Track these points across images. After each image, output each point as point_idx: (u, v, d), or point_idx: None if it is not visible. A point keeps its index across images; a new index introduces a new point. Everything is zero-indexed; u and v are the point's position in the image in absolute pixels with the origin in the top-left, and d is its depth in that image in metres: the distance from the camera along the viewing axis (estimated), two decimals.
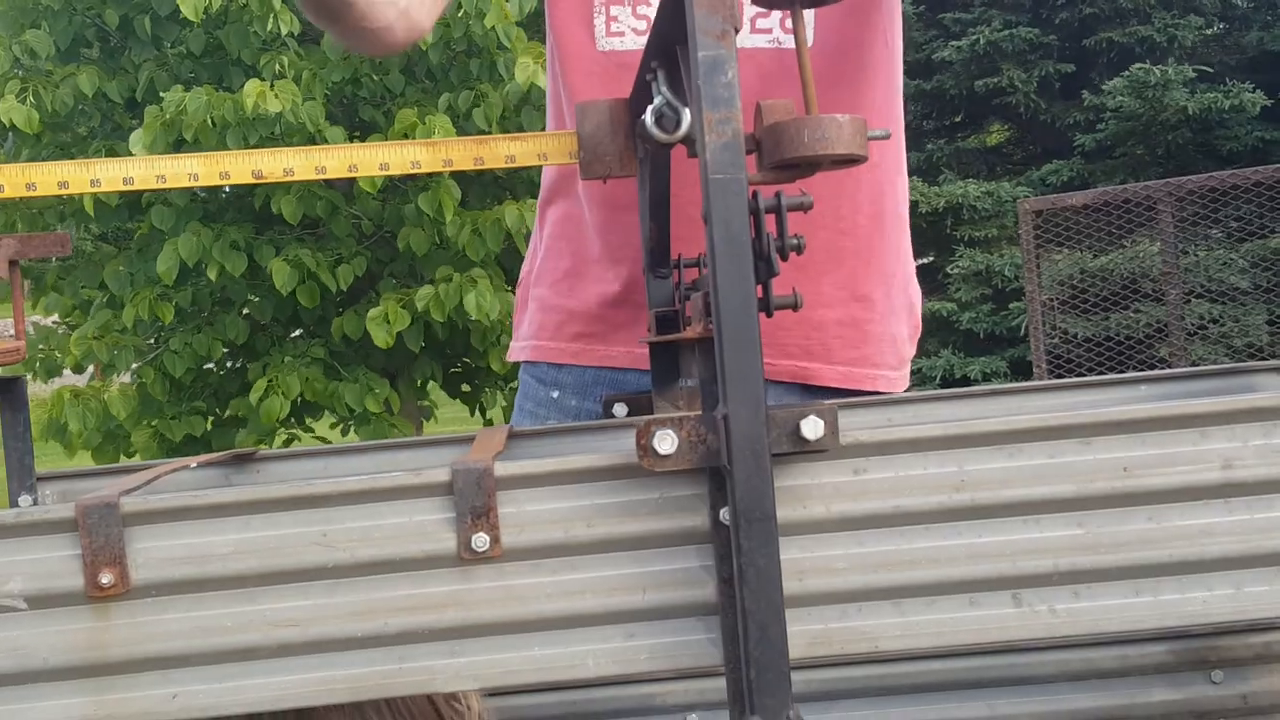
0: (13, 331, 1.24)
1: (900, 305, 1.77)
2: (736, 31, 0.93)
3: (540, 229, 1.76)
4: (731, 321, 0.89)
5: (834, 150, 0.96)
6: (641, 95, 1.21)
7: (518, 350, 1.75)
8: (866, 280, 1.68)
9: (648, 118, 1.14)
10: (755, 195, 0.95)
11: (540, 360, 1.70)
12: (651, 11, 1.56)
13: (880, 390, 1.68)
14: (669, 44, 1.09)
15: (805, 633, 0.94)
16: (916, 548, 0.94)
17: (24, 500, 1.32)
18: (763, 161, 1.01)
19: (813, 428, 0.90)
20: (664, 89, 1.13)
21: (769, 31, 1.57)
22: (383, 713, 1.14)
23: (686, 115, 1.11)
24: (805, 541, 0.94)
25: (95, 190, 1.14)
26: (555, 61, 1.66)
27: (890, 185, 1.72)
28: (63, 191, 1.13)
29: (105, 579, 0.92)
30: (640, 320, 1.61)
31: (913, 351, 1.80)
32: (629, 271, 1.63)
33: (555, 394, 1.68)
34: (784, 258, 0.97)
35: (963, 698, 1.37)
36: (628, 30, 1.56)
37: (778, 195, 1.00)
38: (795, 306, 1.03)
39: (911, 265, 1.84)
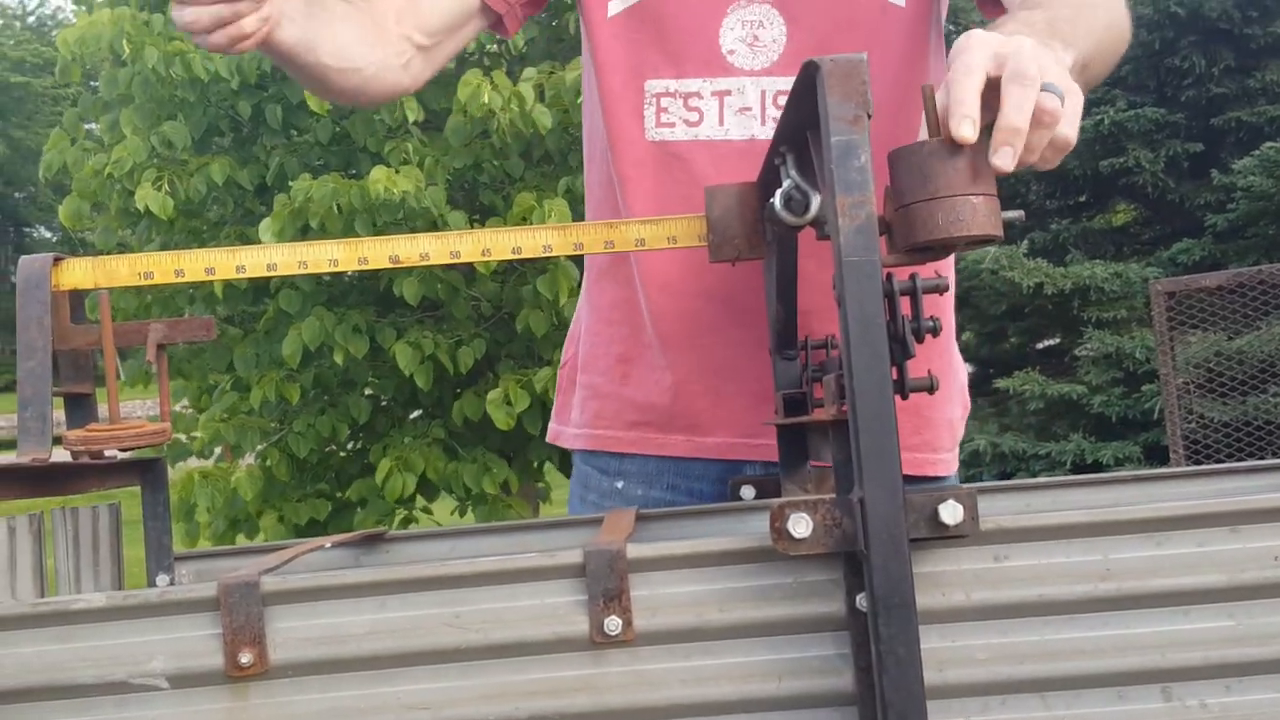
0: (144, 414, 1.27)
1: (955, 388, 1.74)
2: (869, 117, 0.93)
3: (587, 312, 1.73)
4: (867, 404, 0.88)
5: (969, 232, 0.95)
6: (770, 179, 1.21)
7: (571, 437, 1.71)
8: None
9: (777, 201, 1.15)
10: (889, 277, 0.94)
11: (600, 449, 1.67)
12: (704, 105, 1.57)
13: (940, 475, 1.65)
14: (798, 129, 1.09)
15: None
16: (1062, 638, 0.92)
17: (161, 579, 1.34)
18: (895, 244, 1.00)
19: (952, 513, 0.88)
20: (793, 172, 1.13)
21: None
22: None
23: (816, 198, 1.11)
24: (945, 630, 0.92)
25: (240, 276, 1.17)
26: (595, 145, 1.67)
27: (947, 264, 1.70)
28: (210, 278, 1.17)
29: (245, 658, 0.93)
30: (698, 408, 1.59)
31: (962, 431, 1.77)
32: (686, 359, 1.60)
33: (619, 484, 1.64)
34: (919, 339, 0.96)
35: None
36: (678, 121, 1.57)
37: (912, 277, 0.99)
38: (931, 389, 1.02)
39: (956, 344, 1.81)
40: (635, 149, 1.58)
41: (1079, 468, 6.89)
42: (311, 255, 1.16)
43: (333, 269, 1.16)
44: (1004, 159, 0.95)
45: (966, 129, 0.94)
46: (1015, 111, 0.96)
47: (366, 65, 1.51)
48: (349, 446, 5.79)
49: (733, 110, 1.55)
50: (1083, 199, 8.77)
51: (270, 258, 1.16)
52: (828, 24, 1.55)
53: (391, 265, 1.17)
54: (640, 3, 1.56)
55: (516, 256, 1.21)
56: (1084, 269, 7.34)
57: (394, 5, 1.56)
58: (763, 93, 1.55)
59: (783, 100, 1.55)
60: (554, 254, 1.22)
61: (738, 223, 1.26)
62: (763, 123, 1.55)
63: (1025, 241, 7.84)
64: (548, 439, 1.78)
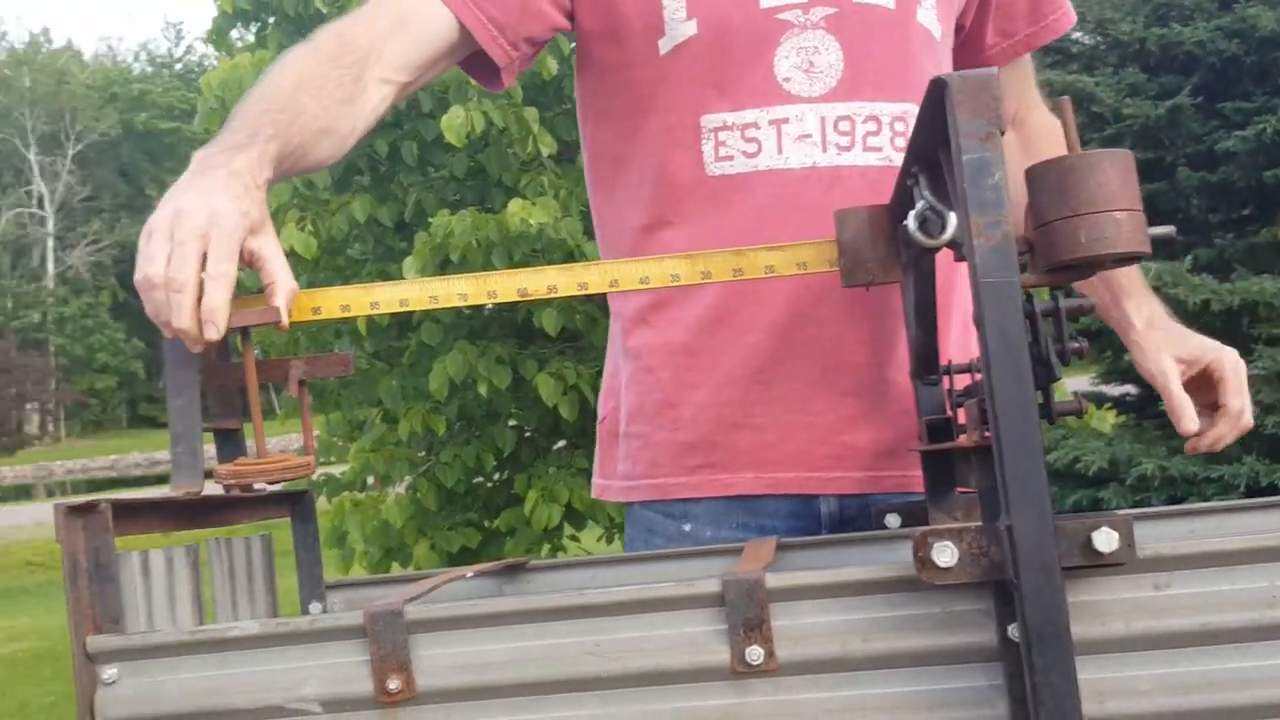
0: (295, 447, 1.29)
1: None
2: (1001, 134, 0.91)
3: (625, 362, 1.66)
4: (1011, 429, 0.86)
5: (1114, 249, 0.92)
6: (902, 200, 1.20)
7: (623, 490, 1.65)
8: None
9: (910, 222, 1.12)
10: (1030, 298, 0.92)
11: (662, 498, 1.61)
12: (762, 135, 1.53)
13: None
14: (930, 148, 1.07)
15: None
16: (1228, 668, 0.88)
17: (314, 608, 1.37)
18: (1036, 264, 0.97)
19: (1106, 540, 0.85)
20: (926, 193, 1.11)
21: (880, 150, 1.54)
22: None
23: (951, 219, 1.09)
24: (1103, 661, 0.89)
25: (374, 312, 1.19)
26: (624, 185, 1.62)
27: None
28: (344, 315, 1.19)
29: (393, 684, 0.94)
30: (765, 443, 1.55)
31: None
32: (742, 393, 1.55)
33: (687, 527, 1.58)
34: (1065, 362, 0.93)
35: None
36: (736, 154, 1.54)
37: (1054, 297, 0.96)
38: (1079, 413, 0.99)
39: None
40: (696, 187, 1.55)
41: (1253, 490, 6.63)
42: (442, 290, 1.17)
43: (462, 303, 1.17)
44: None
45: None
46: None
47: (346, 137, 1.43)
48: (495, 477, 5.86)
49: (791, 138, 1.52)
50: (1246, 212, 8.47)
51: (402, 294, 1.18)
52: (884, 49, 1.54)
53: (520, 298, 1.18)
54: (693, 37, 1.53)
55: (644, 287, 1.21)
56: (1251, 284, 7.06)
57: (370, 47, 1.46)
58: (822, 119, 1.52)
59: (844, 126, 1.53)
60: (681, 283, 1.21)
61: (869, 246, 1.24)
62: (824, 149, 1.52)
63: (1189, 258, 7.57)
64: (594, 495, 1.73)
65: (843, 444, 1.54)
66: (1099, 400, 7.50)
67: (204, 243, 1.14)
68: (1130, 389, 8.49)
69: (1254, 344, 7.13)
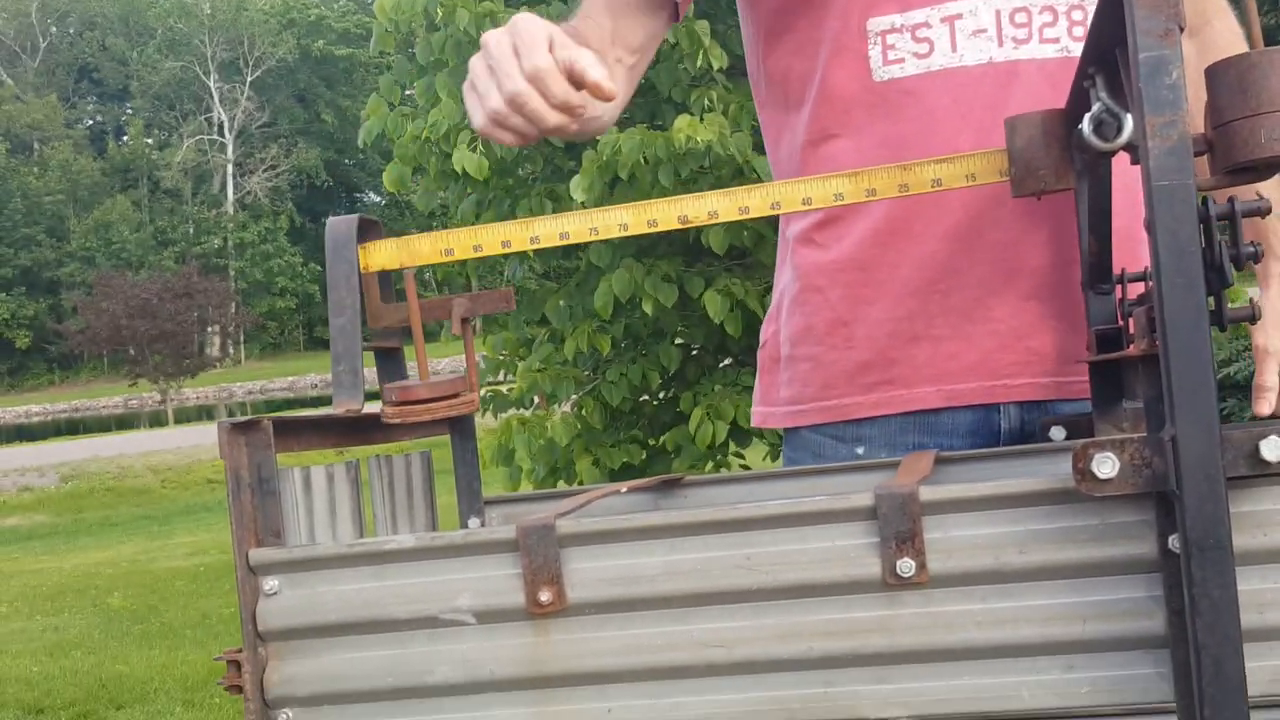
0: (457, 369, 1.31)
1: None
2: (1181, 31, 0.87)
3: (791, 282, 1.63)
4: (1179, 336, 0.83)
5: None
6: (1077, 103, 1.15)
7: (791, 415, 1.61)
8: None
9: (1086, 125, 1.08)
10: (1205, 201, 0.88)
11: (836, 420, 1.57)
12: (934, 34, 1.46)
13: None
14: (1107, 48, 1.03)
15: (1268, 668, 0.86)
16: None
17: (473, 522, 1.40)
18: (1215, 164, 0.93)
19: (1274, 449, 0.82)
20: (1103, 94, 1.07)
21: (1057, 41, 1.46)
22: None
23: (1128, 121, 1.05)
24: (1267, 571, 0.86)
25: (535, 246, 1.19)
26: (785, 95, 1.60)
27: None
28: (504, 250, 1.20)
29: (544, 597, 0.96)
30: (947, 354, 1.50)
31: None
32: (921, 305, 1.50)
33: (860, 450, 1.55)
34: (1239, 267, 0.89)
35: None
36: (907, 56, 1.47)
37: (1231, 201, 0.92)
38: (1253, 318, 0.95)
39: None
40: (863, 94, 1.50)
41: None
42: (602, 222, 1.17)
43: (622, 233, 1.17)
44: None
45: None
46: None
47: (605, 111, 1.48)
48: (661, 395, 5.89)
49: (965, 34, 1.46)
50: None
51: (563, 227, 1.18)
52: None
53: (681, 225, 1.17)
54: None
55: (807, 208, 1.19)
56: None
57: (602, 34, 1.53)
58: (997, 12, 1.46)
59: (1020, 18, 1.46)
60: (845, 202, 1.19)
61: (1043, 153, 1.19)
62: (999, 44, 1.46)
63: None
64: (754, 424, 1.70)
65: (1027, 349, 1.50)
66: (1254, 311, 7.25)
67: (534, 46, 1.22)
68: None
69: None
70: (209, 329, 44.42)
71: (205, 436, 19.32)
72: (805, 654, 0.92)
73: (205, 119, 59.42)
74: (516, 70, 1.22)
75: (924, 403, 1.51)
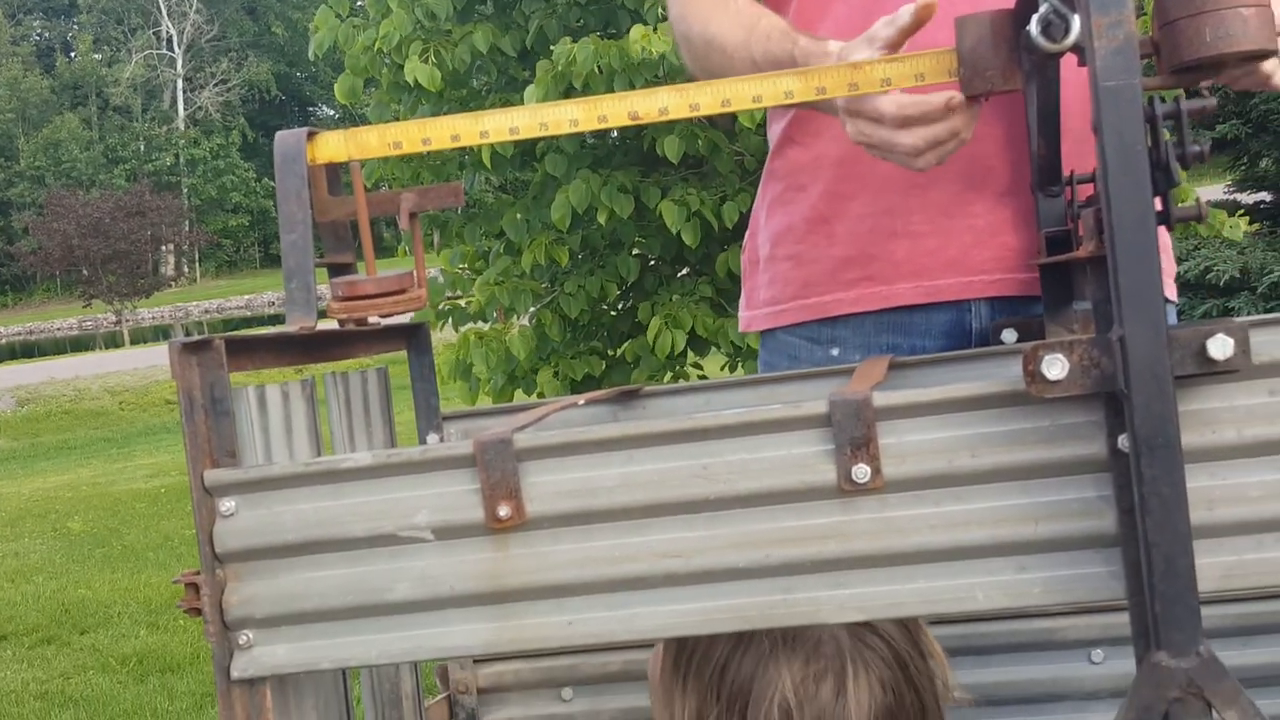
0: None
1: None
2: None
3: (772, 183, 1.64)
4: (1127, 237, 0.83)
5: (1239, 47, 0.88)
6: (1026, 4, 1.14)
7: (773, 315, 1.63)
8: None
9: (1034, 27, 1.08)
10: (1151, 101, 0.88)
11: (811, 319, 1.59)
12: None
13: (1170, 299, 1.54)
14: None
15: (1216, 565, 0.88)
16: None
17: (431, 438, 1.40)
18: (1162, 65, 0.93)
19: (1221, 347, 0.83)
20: None
21: None
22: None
23: (1076, 22, 1.04)
24: (1215, 468, 0.87)
25: (485, 141, 1.18)
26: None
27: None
28: (455, 144, 1.18)
29: (503, 511, 0.96)
30: (922, 249, 1.51)
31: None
32: (900, 200, 1.51)
33: (835, 351, 1.56)
34: (1186, 166, 0.90)
35: None
36: None
37: (1176, 99, 0.92)
38: (1200, 218, 0.95)
39: None
40: None
41: None
42: (552, 117, 1.16)
43: (573, 129, 1.16)
44: None
45: None
46: None
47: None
48: (619, 306, 5.89)
49: None
50: None
51: (512, 121, 1.16)
52: None
53: (631, 121, 1.16)
54: None
55: (757, 105, 1.18)
56: None
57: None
58: None
59: None
60: (795, 100, 1.18)
61: (991, 53, 1.19)
62: None
63: None
64: (740, 329, 1.71)
65: (1002, 245, 1.51)
66: (1232, 208, 7.27)
67: None
68: (1265, 196, 8.22)
69: None
70: (163, 248, 43.94)
71: (162, 357, 19.15)
72: (762, 561, 0.93)
73: (154, 33, 58.28)
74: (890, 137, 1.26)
75: (902, 299, 1.53)
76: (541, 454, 0.96)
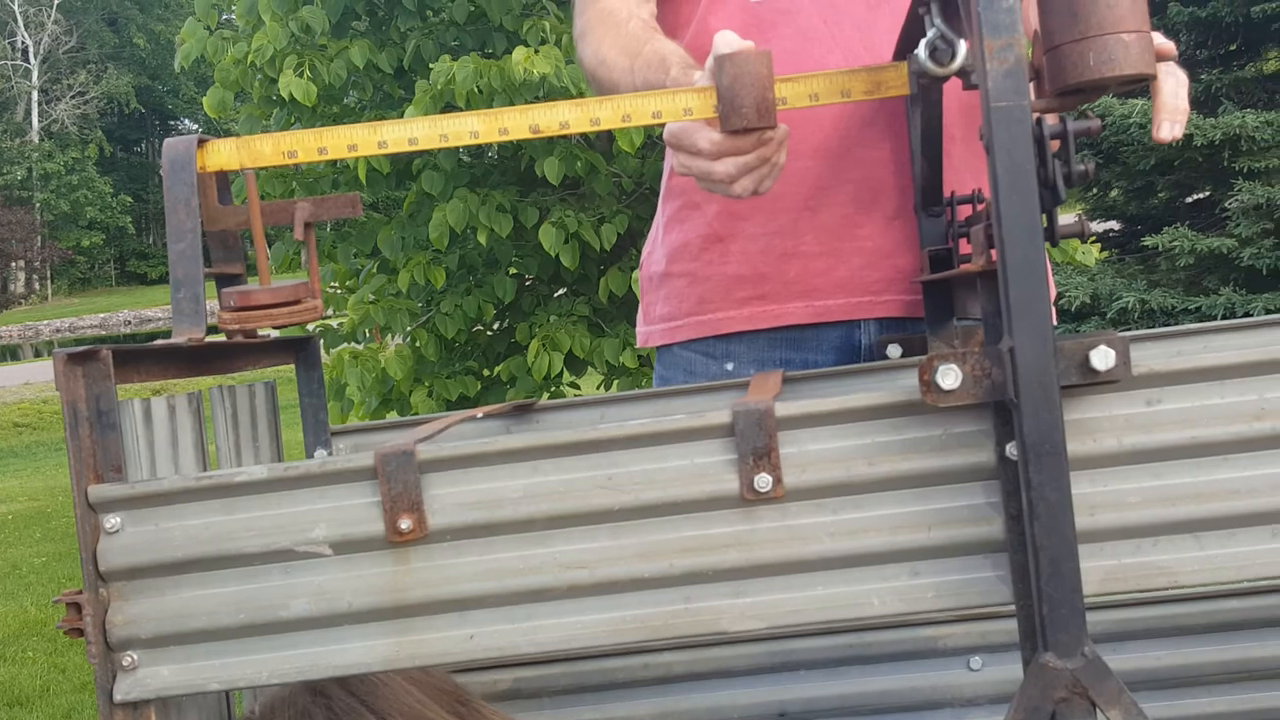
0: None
1: None
2: None
3: (668, 201, 1.67)
4: (1016, 252, 0.87)
5: (1121, 71, 0.92)
6: (912, 30, 1.18)
7: (668, 331, 1.65)
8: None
9: (921, 51, 1.11)
10: (1039, 122, 0.92)
11: (708, 335, 1.61)
12: None
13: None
14: None
15: (1099, 568, 0.91)
16: (1215, 479, 0.90)
17: (320, 454, 1.38)
18: (1046, 88, 0.97)
19: (1103, 358, 0.87)
20: (938, 20, 1.10)
21: None
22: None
23: (962, 47, 1.08)
24: (1096, 475, 0.91)
25: (382, 152, 1.17)
26: (678, 20, 1.61)
27: None
28: (351, 154, 1.17)
29: (404, 524, 0.95)
30: (815, 270, 1.55)
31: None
32: (791, 221, 1.54)
33: (730, 366, 1.59)
34: (1070, 184, 0.93)
35: (1262, 636, 1.31)
36: None
37: (1063, 119, 0.96)
38: (1083, 236, 0.99)
39: None
40: (737, 14, 1.53)
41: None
42: (452, 128, 1.16)
43: (473, 141, 1.16)
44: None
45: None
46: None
47: None
48: (495, 326, 5.87)
49: None
50: (1234, 47, 8.38)
51: (411, 132, 1.16)
52: None
53: (532, 135, 1.16)
54: None
55: (657, 121, 1.19)
56: (1234, 119, 7.04)
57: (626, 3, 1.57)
58: None
59: None
60: (694, 117, 1.19)
61: (746, 92, 1.16)
62: None
63: None
64: (638, 344, 1.73)
65: (892, 267, 1.54)
66: (1084, 235, 7.53)
67: None
68: (1114, 225, 8.52)
69: (1234, 178, 7.11)
70: (12, 264, 42.59)
71: (9, 378, 18.51)
72: (666, 571, 0.94)
73: (9, 43, 56.56)
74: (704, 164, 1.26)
75: (793, 318, 1.56)
76: (445, 466, 0.96)
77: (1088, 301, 7.09)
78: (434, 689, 1.17)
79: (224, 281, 1.27)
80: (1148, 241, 7.30)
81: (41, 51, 55.87)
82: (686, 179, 1.60)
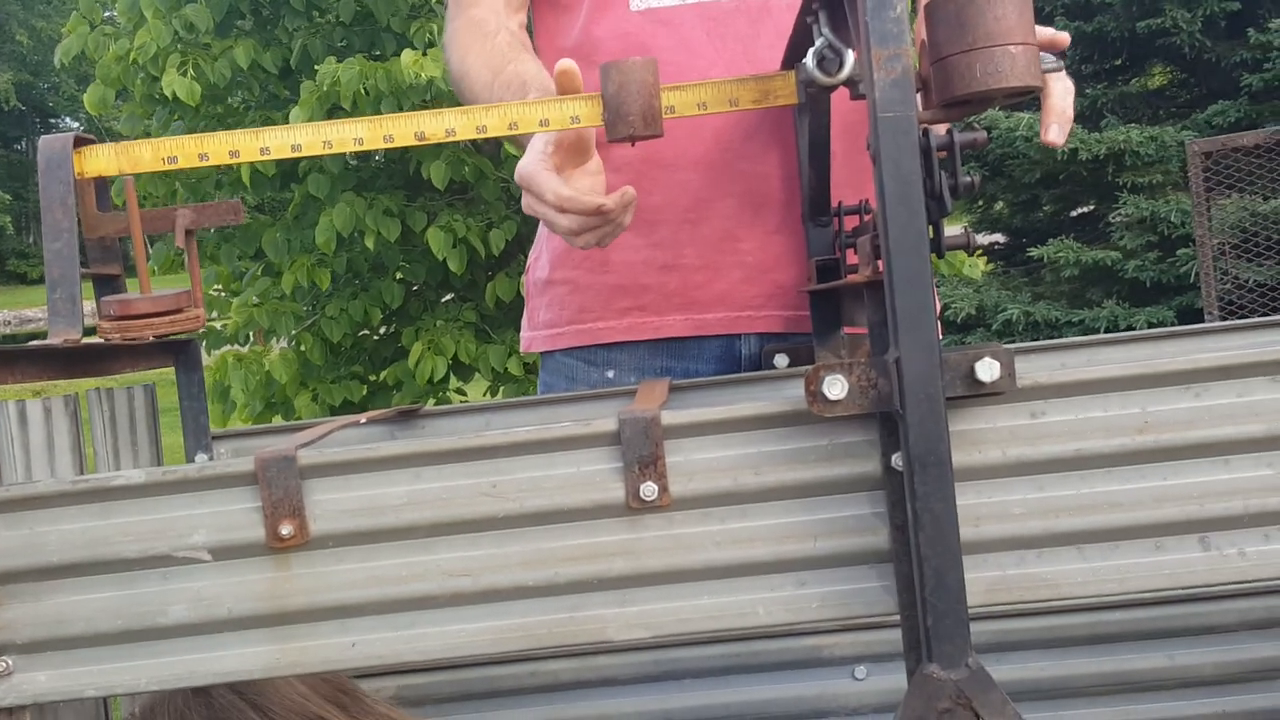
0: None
1: None
2: None
3: None
4: (903, 262, 0.87)
5: (1007, 83, 0.93)
6: (799, 39, 1.18)
7: (550, 338, 1.65)
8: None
9: (809, 60, 1.12)
10: (926, 133, 0.92)
11: (589, 344, 1.61)
12: None
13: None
14: None
15: (983, 579, 0.92)
16: (1099, 491, 0.91)
17: (200, 458, 1.35)
18: (932, 99, 0.98)
19: (988, 370, 0.87)
20: (826, 30, 1.10)
21: None
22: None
23: (850, 57, 1.08)
24: (981, 487, 0.92)
25: (265, 158, 1.15)
26: (555, 30, 1.62)
27: None
28: (234, 160, 1.15)
29: (285, 530, 0.94)
30: (695, 284, 1.55)
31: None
32: (671, 233, 1.55)
33: (610, 373, 1.60)
34: (956, 196, 0.94)
35: (1143, 648, 1.34)
36: None
37: (950, 131, 0.97)
38: (969, 248, 1.00)
39: None
40: (619, 24, 1.53)
41: (1113, 333, 6.85)
42: (336, 135, 1.14)
43: (358, 148, 1.14)
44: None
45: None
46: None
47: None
48: (381, 330, 5.81)
49: None
50: (1119, 62, 8.60)
51: (295, 138, 1.14)
52: None
53: (418, 142, 1.15)
54: None
55: (544, 129, 1.18)
56: (1119, 134, 7.23)
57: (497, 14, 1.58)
58: None
59: None
60: (582, 124, 1.19)
61: (634, 99, 1.18)
62: None
63: None
64: (522, 349, 1.73)
65: (772, 282, 1.54)
66: (970, 248, 7.68)
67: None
68: (999, 238, 8.70)
69: (1119, 192, 7.30)
70: None
71: None
72: (551, 580, 0.93)
73: None
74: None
75: (672, 330, 1.56)
76: (326, 471, 0.95)
77: (973, 313, 7.22)
78: (318, 680, 1.16)
79: (101, 283, 1.24)
80: (1033, 253, 7.46)
81: None
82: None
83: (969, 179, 0.94)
